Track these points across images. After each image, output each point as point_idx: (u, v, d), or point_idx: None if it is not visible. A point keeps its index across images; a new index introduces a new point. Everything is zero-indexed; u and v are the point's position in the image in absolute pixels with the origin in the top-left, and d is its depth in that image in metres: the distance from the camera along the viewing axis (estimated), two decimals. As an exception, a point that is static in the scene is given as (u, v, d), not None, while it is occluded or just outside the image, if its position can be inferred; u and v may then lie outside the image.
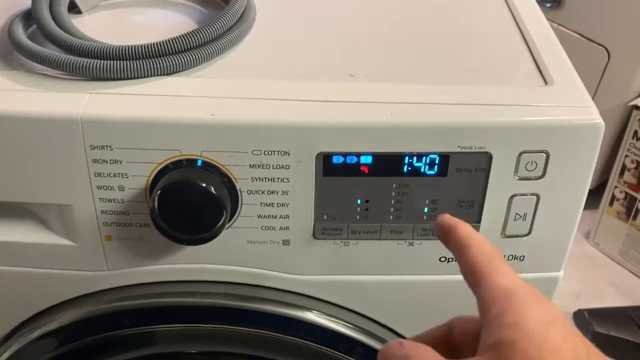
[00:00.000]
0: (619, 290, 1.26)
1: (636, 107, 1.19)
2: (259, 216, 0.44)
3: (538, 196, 0.44)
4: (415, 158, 0.42)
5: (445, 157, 0.42)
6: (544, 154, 0.42)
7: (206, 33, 0.45)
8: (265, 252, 0.46)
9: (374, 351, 0.50)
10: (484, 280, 0.29)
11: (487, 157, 0.42)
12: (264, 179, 0.43)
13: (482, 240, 0.31)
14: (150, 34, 0.46)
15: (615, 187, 1.26)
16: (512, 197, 0.44)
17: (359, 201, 0.44)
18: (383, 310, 0.50)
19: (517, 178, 0.43)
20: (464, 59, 0.48)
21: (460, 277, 0.47)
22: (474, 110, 0.42)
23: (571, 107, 0.43)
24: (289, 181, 0.43)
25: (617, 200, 1.27)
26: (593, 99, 1.41)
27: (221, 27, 0.46)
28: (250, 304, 0.47)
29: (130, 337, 0.50)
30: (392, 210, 0.44)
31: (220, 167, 0.42)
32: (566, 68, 0.47)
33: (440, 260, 0.47)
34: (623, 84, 1.23)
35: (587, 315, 1.15)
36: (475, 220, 0.45)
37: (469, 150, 0.42)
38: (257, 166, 0.42)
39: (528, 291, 0.29)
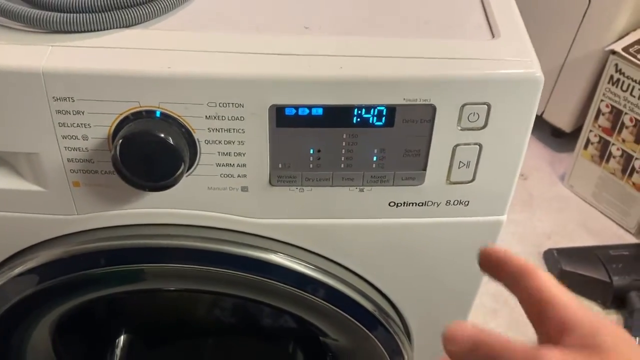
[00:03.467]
0: (589, 231, 1.31)
1: (613, 52, 1.20)
2: (217, 164, 0.47)
3: (480, 145, 0.47)
4: (364, 110, 0.45)
5: (392, 109, 0.44)
6: (486, 106, 0.45)
7: (164, -14, 0.46)
8: (225, 198, 0.49)
9: (332, 289, 0.54)
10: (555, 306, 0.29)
11: (432, 109, 0.44)
12: (220, 130, 0.45)
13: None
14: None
15: (590, 130, 1.29)
16: (456, 146, 0.46)
17: (311, 150, 0.46)
18: (339, 251, 0.53)
19: (460, 128, 0.46)
20: (420, 12, 0.49)
21: (408, 220, 0.51)
22: (419, 64, 0.44)
23: (513, 61, 0.44)
24: (244, 132, 0.45)
25: (592, 143, 1.30)
26: (572, 43, 1.41)
27: (180, -21, 0.47)
28: (215, 246, 0.51)
29: (108, 275, 0.53)
30: (342, 159, 0.47)
31: (178, 117, 0.44)
32: (514, 21, 0.48)
33: (389, 205, 0.50)
34: (602, 28, 1.23)
35: (555, 254, 1.20)
36: (421, 167, 0.47)
37: (414, 102, 0.44)
38: (213, 117, 0.44)
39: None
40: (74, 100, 0.43)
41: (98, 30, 0.45)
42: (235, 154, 0.46)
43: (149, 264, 0.52)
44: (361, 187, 0.48)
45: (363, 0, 0.51)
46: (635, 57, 1.18)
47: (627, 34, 1.24)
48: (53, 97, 0.43)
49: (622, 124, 1.24)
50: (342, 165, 0.47)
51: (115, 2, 0.45)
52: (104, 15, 0.45)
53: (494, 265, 0.32)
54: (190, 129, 0.45)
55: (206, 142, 0.45)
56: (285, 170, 0.47)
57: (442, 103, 0.44)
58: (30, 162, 0.47)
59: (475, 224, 0.51)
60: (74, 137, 0.45)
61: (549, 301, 0.29)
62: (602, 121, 1.27)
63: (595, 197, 1.34)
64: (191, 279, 0.54)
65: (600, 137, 1.29)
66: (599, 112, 1.26)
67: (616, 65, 1.20)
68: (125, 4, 0.46)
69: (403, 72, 0.43)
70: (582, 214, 1.35)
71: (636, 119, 1.20)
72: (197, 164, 0.47)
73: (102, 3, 0.45)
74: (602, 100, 1.25)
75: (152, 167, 0.44)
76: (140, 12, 0.46)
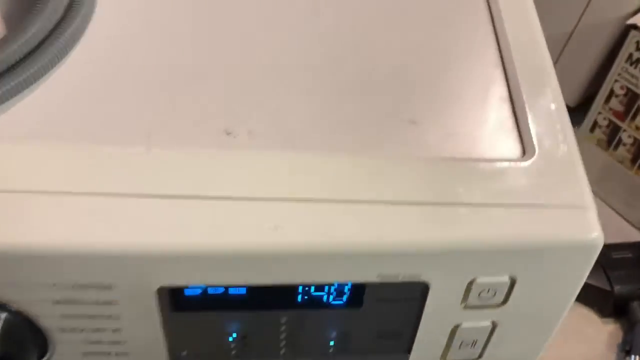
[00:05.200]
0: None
1: (634, 27, 1.01)
2: (84, 354, 0.30)
3: (495, 323, 0.30)
4: (313, 288, 0.27)
5: (359, 287, 0.28)
6: (508, 281, 0.28)
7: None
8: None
9: None
10: None
11: (421, 287, 0.28)
12: (81, 316, 0.28)
13: None
14: None
15: (599, 112, 1.12)
16: (456, 327, 0.30)
17: (233, 335, 0.30)
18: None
19: (463, 306, 0.29)
20: (402, 102, 0.31)
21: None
22: (402, 219, 0.26)
23: (557, 210, 0.27)
24: (119, 318, 0.28)
25: (600, 127, 1.14)
26: (584, 11, 1.15)
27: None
28: None
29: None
30: (282, 345, 0.30)
31: (4, 303, 0.27)
32: (557, 120, 0.31)
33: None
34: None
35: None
36: (404, 350, 0.31)
37: (393, 280, 0.27)
38: (65, 302, 0.27)
39: None
40: None
41: None
42: (111, 343, 0.29)
43: None
44: (312, 373, 0.32)
45: (317, 85, 0.32)
46: (660, 33, 0.99)
47: (651, 1, 1.04)
48: None
49: (638, 108, 1.07)
50: (282, 352, 0.30)
51: None
52: None
53: None
54: (28, 316, 0.27)
55: (61, 330, 0.28)
56: (193, 358, 0.30)
57: (438, 280, 0.27)
58: None
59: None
60: None
61: None
62: (614, 104, 1.09)
63: (599, 186, 1.19)
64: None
65: (610, 121, 1.12)
66: (611, 93, 1.09)
67: (637, 42, 1.01)
68: None
69: (379, 239, 0.26)
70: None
71: (654, 105, 1.04)
72: (52, 356, 0.30)
73: None
74: (616, 81, 1.07)
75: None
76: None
